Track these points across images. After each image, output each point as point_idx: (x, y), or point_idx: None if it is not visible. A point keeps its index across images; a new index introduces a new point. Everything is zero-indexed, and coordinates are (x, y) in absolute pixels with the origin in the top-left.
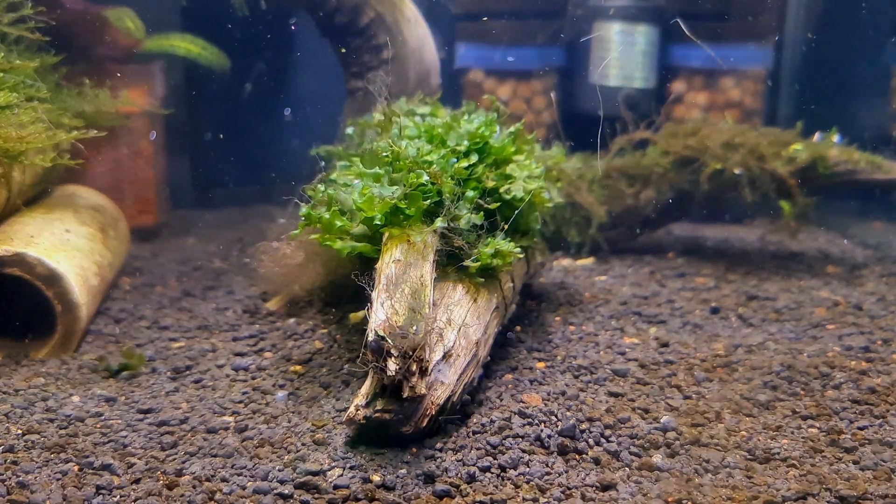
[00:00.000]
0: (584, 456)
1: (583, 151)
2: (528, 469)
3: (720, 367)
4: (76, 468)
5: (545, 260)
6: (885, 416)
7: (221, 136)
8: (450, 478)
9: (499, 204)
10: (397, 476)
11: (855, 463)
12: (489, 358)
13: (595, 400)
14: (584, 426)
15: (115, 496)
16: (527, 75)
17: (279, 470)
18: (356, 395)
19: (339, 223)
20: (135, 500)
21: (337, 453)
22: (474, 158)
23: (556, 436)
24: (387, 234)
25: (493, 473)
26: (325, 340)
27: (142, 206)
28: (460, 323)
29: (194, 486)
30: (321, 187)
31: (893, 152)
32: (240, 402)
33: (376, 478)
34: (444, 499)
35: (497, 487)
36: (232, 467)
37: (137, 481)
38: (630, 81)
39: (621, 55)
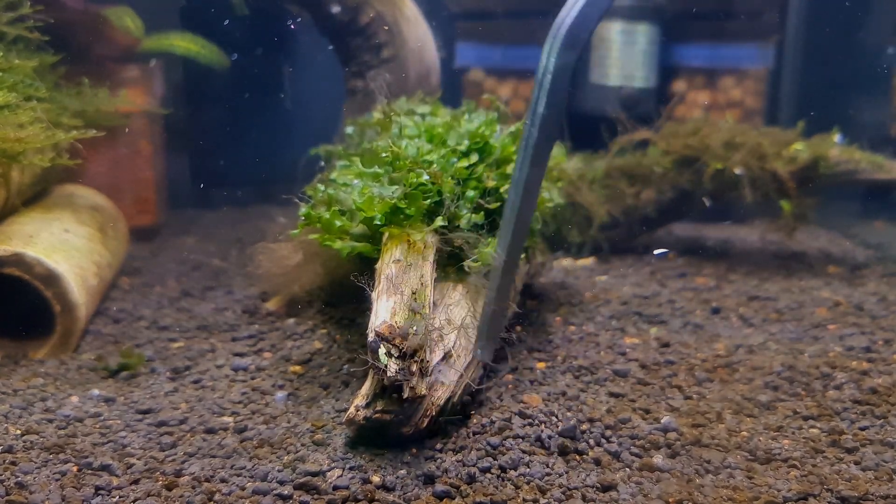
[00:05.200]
0: (584, 456)
1: (583, 151)
2: (528, 470)
3: (721, 368)
4: (75, 468)
5: (545, 260)
6: (886, 416)
7: (220, 135)
8: (450, 478)
9: (499, 204)
10: (397, 477)
11: (856, 463)
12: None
13: (596, 400)
14: (584, 427)
15: (113, 497)
16: (527, 74)
17: (278, 470)
18: (356, 396)
19: (338, 223)
20: (134, 501)
21: (336, 454)
22: (475, 158)
23: (557, 436)
24: (387, 234)
25: (493, 474)
26: (324, 341)
27: (141, 206)
28: (460, 323)
29: (193, 487)
30: (321, 187)
31: (894, 152)
32: (239, 402)
33: (376, 478)
34: (444, 499)
35: (497, 488)
36: (231, 468)
37: (136, 482)
38: (630, 81)
39: (622, 54)
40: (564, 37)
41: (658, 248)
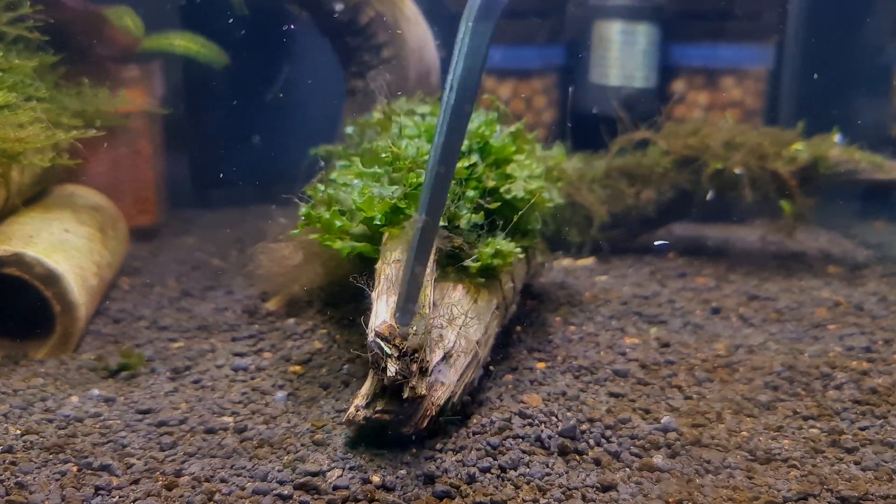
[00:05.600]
0: (584, 456)
1: (583, 151)
2: (528, 470)
3: (721, 368)
4: (75, 469)
5: (546, 260)
6: (886, 416)
7: (220, 135)
8: (450, 478)
9: (499, 204)
10: (397, 477)
11: (856, 463)
12: (490, 358)
13: (595, 400)
14: (584, 427)
15: (113, 497)
16: (527, 74)
17: (278, 470)
18: (356, 396)
19: (338, 223)
20: (133, 501)
21: (336, 454)
22: (475, 158)
23: (557, 436)
24: (387, 234)
25: (493, 474)
26: (324, 341)
27: (141, 206)
28: (460, 323)
29: (193, 487)
30: (321, 187)
31: (894, 152)
32: (239, 402)
33: (376, 478)
34: (444, 499)
35: (497, 488)
36: (231, 468)
37: (136, 482)
38: (630, 81)
39: (622, 54)
40: (480, 6)
41: (658, 241)
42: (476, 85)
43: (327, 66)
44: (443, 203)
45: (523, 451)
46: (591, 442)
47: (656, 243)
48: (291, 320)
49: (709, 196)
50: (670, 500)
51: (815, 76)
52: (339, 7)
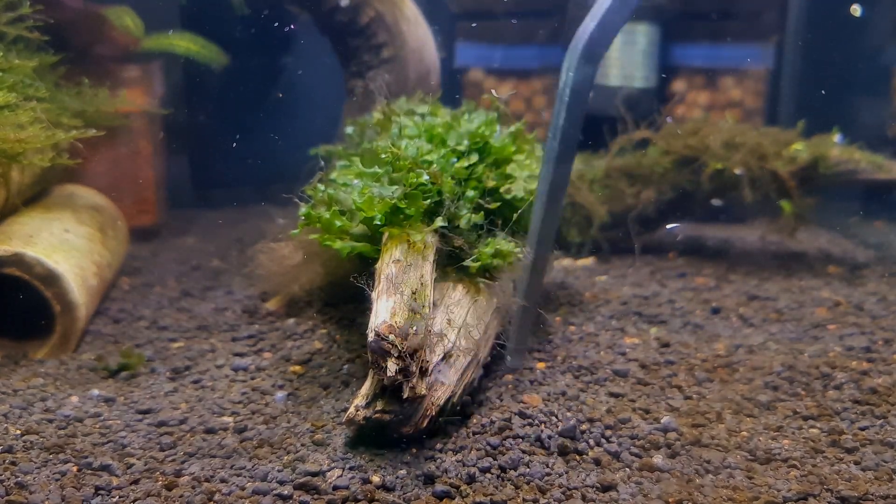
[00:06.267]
0: (584, 456)
1: (583, 151)
2: (528, 470)
3: (721, 368)
4: (75, 469)
5: None
6: (886, 416)
7: (220, 135)
8: (450, 478)
9: (499, 204)
10: (397, 477)
11: (856, 463)
12: (489, 358)
13: (595, 400)
14: (584, 427)
15: (113, 497)
16: (527, 74)
17: (278, 470)
18: (356, 396)
19: (338, 223)
20: (133, 501)
21: (336, 454)
22: (474, 158)
23: (557, 436)
24: (387, 234)
25: (493, 474)
26: (324, 340)
27: (141, 206)
28: (460, 323)
29: (193, 487)
30: (321, 187)
31: (894, 152)
32: (239, 402)
33: (376, 478)
34: (444, 499)
35: (497, 488)
36: (231, 468)
37: (136, 482)
38: (630, 81)
39: (622, 54)
40: (582, 51)
41: (670, 225)
42: (578, 132)
43: (327, 66)
44: (550, 250)
45: (523, 451)
46: (591, 442)
47: (668, 227)
48: (291, 320)
49: (715, 201)
50: (670, 500)
51: (823, 90)
52: (343, 2)
